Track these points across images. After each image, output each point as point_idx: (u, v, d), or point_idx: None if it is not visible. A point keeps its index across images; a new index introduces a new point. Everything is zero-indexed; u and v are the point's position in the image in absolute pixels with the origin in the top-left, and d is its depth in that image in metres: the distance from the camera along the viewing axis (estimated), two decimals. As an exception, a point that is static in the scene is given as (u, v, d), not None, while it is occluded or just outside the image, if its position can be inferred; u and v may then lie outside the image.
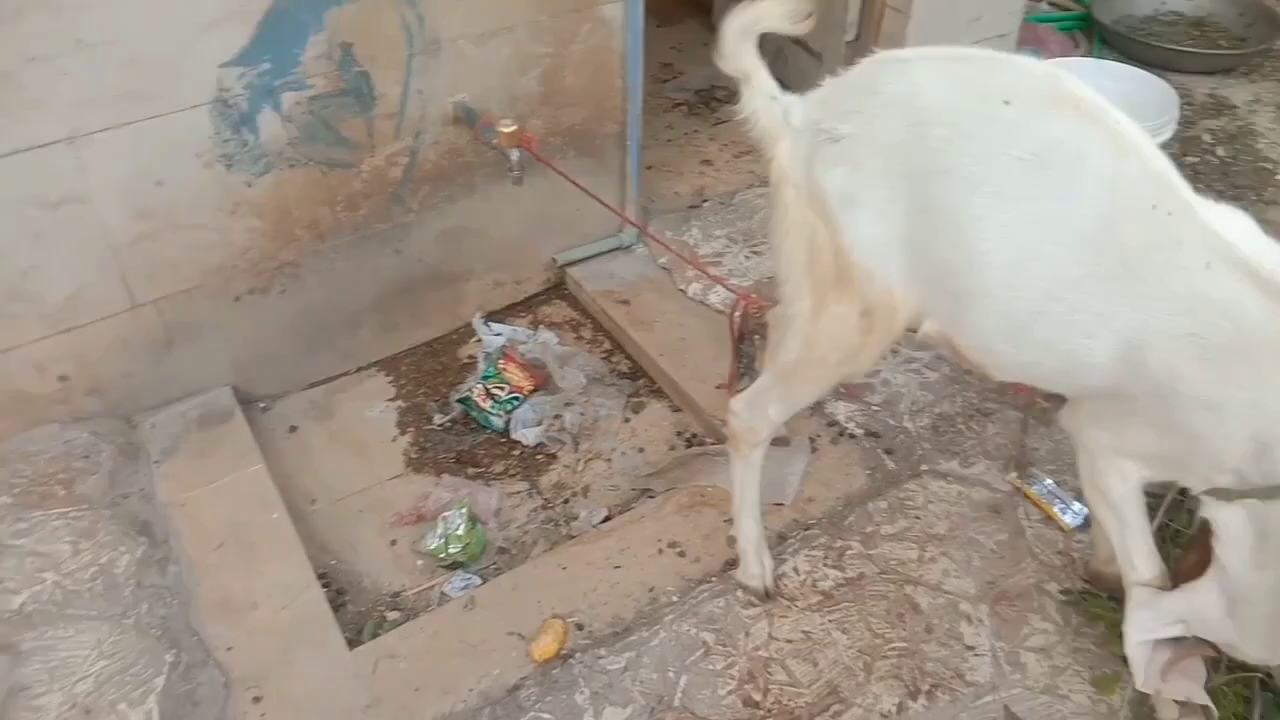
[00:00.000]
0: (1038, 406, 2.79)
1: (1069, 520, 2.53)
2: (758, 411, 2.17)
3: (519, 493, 2.76)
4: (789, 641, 2.30)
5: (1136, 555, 2.00)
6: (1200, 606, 1.88)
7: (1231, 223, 1.68)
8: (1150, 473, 1.93)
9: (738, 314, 2.64)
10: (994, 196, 1.68)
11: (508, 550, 2.61)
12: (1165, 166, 1.69)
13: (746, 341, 2.70)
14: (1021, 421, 2.77)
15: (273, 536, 2.40)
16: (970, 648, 2.28)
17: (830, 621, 2.34)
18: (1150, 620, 1.94)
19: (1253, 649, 1.86)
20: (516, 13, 2.77)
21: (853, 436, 2.81)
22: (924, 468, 2.71)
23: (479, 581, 2.48)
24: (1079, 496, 2.55)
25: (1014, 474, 2.65)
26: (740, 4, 1.79)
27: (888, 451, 2.77)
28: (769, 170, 1.92)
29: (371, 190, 2.80)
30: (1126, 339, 1.69)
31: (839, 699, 2.18)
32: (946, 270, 1.77)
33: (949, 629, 2.32)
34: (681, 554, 2.46)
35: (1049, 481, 2.62)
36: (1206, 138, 3.94)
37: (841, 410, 2.87)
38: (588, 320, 3.29)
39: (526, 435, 2.87)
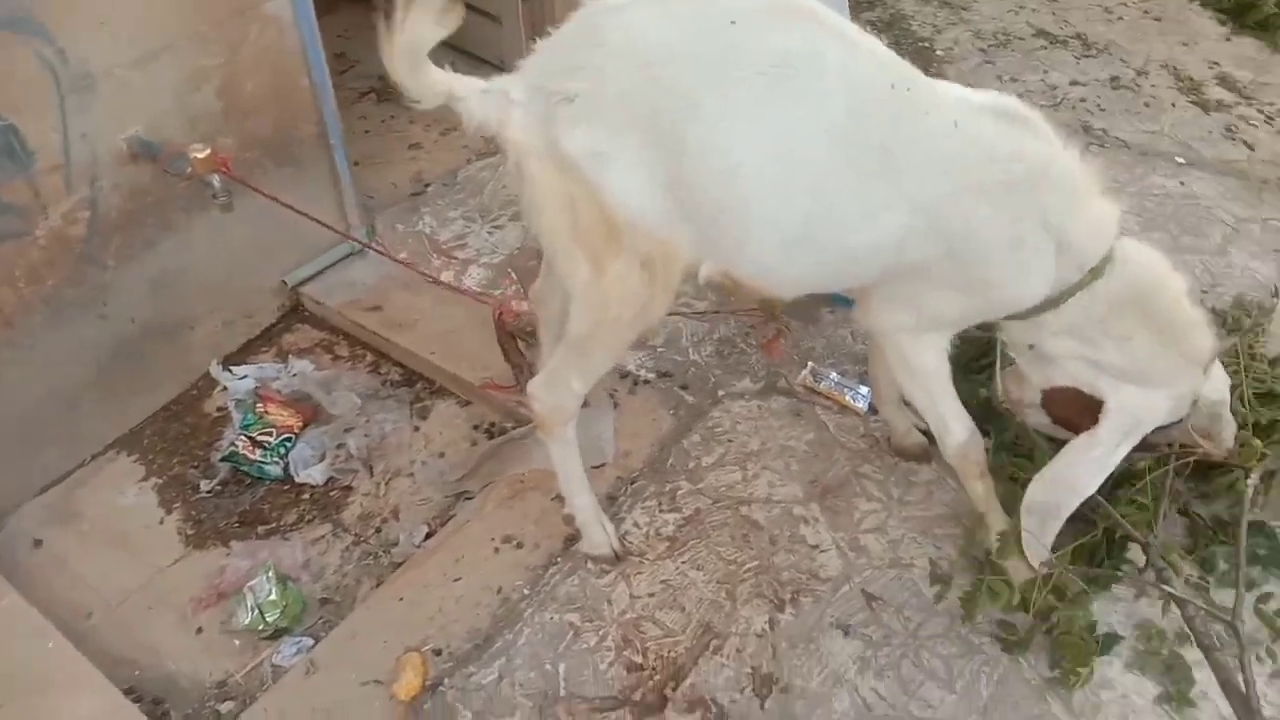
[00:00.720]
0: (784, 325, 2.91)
1: (860, 405, 2.68)
2: (560, 390, 2.09)
3: (323, 537, 2.52)
4: (651, 595, 2.27)
5: (951, 420, 2.12)
6: (1127, 402, 1.97)
7: (950, 85, 1.85)
8: (953, 331, 2.06)
9: (497, 320, 2.58)
10: (741, 119, 1.69)
11: (331, 600, 2.38)
12: (886, 50, 1.78)
13: (512, 340, 2.62)
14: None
15: (57, 668, 2.04)
16: (815, 546, 2.36)
17: (684, 563, 2.33)
18: (1103, 451, 2.00)
19: (1183, 389, 1.99)
20: (171, 27, 2.45)
21: (647, 382, 2.81)
22: (721, 393, 2.76)
23: (311, 642, 2.24)
24: (863, 380, 2.71)
25: (804, 375, 2.75)
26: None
27: (684, 387, 2.79)
28: (505, 151, 1.82)
29: (54, 256, 2.41)
30: (908, 215, 1.77)
31: (714, 633, 2.18)
32: (713, 203, 1.76)
33: (791, 535, 2.38)
34: (519, 546, 2.36)
35: (834, 375, 2.74)
36: (869, 29, 4.26)
37: (631, 359, 2.86)
38: (340, 337, 3.04)
39: (312, 474, 2.63)
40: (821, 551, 2.35)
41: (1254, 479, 2.11)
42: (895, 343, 2.08)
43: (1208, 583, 2.17)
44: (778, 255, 1.85)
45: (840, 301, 2.91)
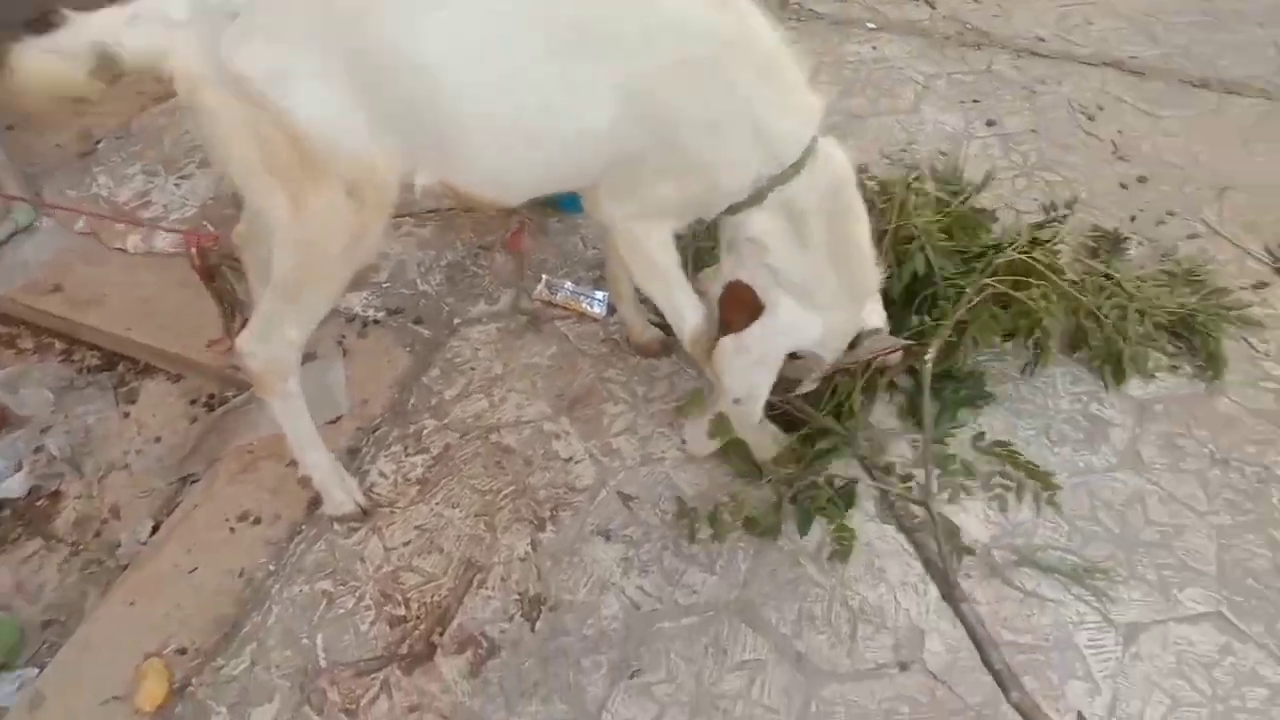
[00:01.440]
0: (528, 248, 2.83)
1: (598, 310, 2.65)
2: (275, 341, 1.92)
3: (34, 554, 2.26)
4: (407, 544, 2.18)
5: (684, 308, 2.09)
6: (783, 319, 1.98)
7: None
8: (679, 222, 2.02)
9: (195, 253, 2.31)
10: (428, 13, 1.57)
11: (55, 620, 2.15)
12: None
13: (220, 279, 2.37)
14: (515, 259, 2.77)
15: None
16: (569, 459, 2.34)
17: (438, 504, 2.26)
18: (755, 356, 2.03)
19: (839, 319, 2.03)
20: None
21: (377, 322, 2.67)
22: (457, 321, 2.66)
23: (36, 672, 2.02)
24: (598, 286, 2.68)
25: (539, 289, 2.69)
26: None
27: (417, 322, 2.67)
28: (175, 86, 1.61)
29: None
30: (613, 98, 1.69)
31: (478, 568, 2.14)
32: (415, 108, 1.64)
33: (545, 452, 2.35)
34: (256, 521, 2.20)
35: (568, 284, 2.70)
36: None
37: (355, 300, 2.70)
38: (20, 328, 2.70)
39: (10, 487, 2.34)
40: (576, 463, 2.33)
41: (930, 355, 2.23)
42: (624, 233, 2.02)
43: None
44: (494, 156, 1.75)
45: (569, 206, 2.85)
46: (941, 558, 2.03)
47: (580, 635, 2.04)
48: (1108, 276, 2.53)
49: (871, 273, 2.02)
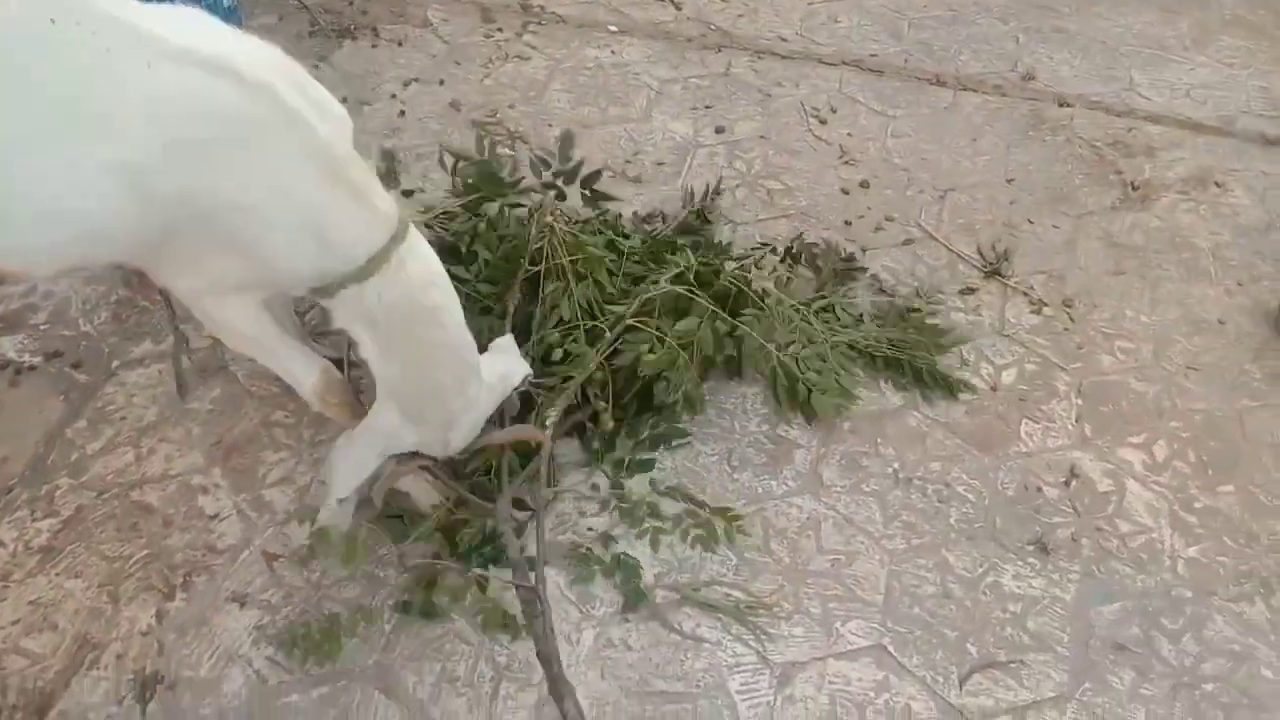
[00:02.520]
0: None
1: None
2: None
3: None
4: (16, 622, 1.96)
5: (295, 368, 1.92)
6: (381, 425, 1.87)
7: (176, 17, 1.50)
8: (258, 294, 1.83)
9: None
10: None
11: None
12: None
13: None
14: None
15: None
16: (214, 516, 2.14)
17: (59, 574, 2.03)
18: (356, 457, 1.91)
19: (430, 435, 1.91)
20: None
21: (33, 368, 2.42)
22: (116, 364, 2.43)
23: None
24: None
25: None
26: None
27: (76, 365, 2.43)
28: None
29: None
30: (123, 179, 1.46)
31: (92, 645, 1.93)
32: None
33: (188, 510, 2.15)
34: None
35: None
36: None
37: (8, 344, 2.45)
38: None
39: None
40: (220, 520, 2.14)
41: (550, 423, 2.10)
42: (197, 308, 1.83)
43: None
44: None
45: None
46: (549, 652, 1.86)
47: (197, 716, 1.85)
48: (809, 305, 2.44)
49: (452, 405, 1.89)
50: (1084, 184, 3.01)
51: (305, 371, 1.93)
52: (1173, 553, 2.14)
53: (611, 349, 2.19)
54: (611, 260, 2.30)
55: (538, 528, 2.04)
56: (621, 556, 2.06)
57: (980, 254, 2.77)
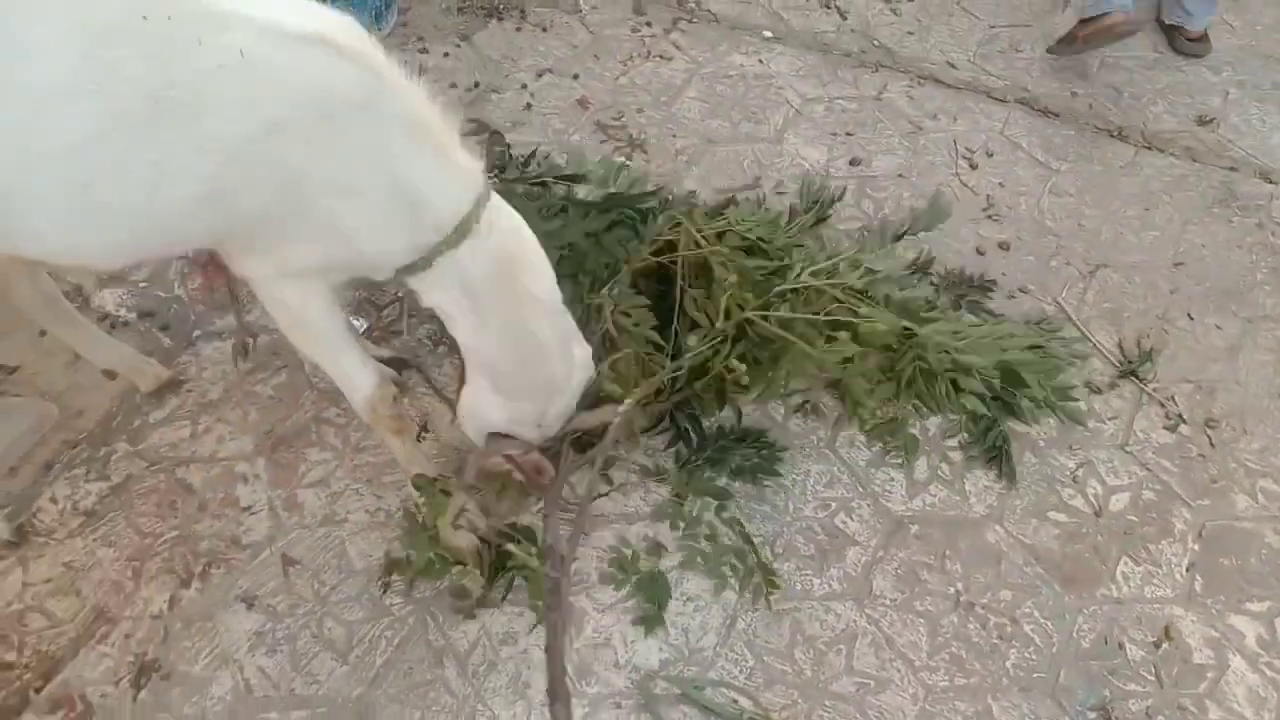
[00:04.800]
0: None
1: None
2: None
3: None
4: (48, 581, 2.03)
5: (353, 373, 1.89)
6: (475, 403, 1.83)
7: (255, 6, 1.46)
8: (331, 281, 1.80)
9: None
10: None
11: None
12: None
13: None
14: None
15: None
16: (247, 508, 2.15)
17: (95, 540, 2.09)
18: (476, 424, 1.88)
19: (525, 410, 1.84)
20: None
21: (126, 324, 2.50)
22: (197, 333, 2.47)
23: None
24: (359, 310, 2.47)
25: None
26: None
27: (164, 328, 2.49)
28: None
29: None
30: (207, 164, 1.47)
31: (107, 619, 1.97)
32: None
33: (224, 497, 2.16)
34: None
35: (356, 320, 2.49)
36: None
37: (109, 298, 2.54)
38: None
39: None
40: (252, 514, 2.14)
41: (620, 413, 1.97)
42: (268, 294, 1.81)
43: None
44: (64, 230, 1.52)
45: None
46: (558, 648, 1.77)
47: (180, 714, 1.86)
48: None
49: (554, 368, 1.80)
50: (1267, 279, 2.58)
51: (364, 377, 1.89)
52: (1269, 757, 1.81)
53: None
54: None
55: (578, 519, 1.95)
56: (656, 573, 1.98)
57: (1120, 348, 2.42)
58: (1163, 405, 2.31)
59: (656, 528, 2.08)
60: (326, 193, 1.57)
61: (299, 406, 2.33)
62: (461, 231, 1.64)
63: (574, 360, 1.84)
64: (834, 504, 2.13)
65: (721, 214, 2.34)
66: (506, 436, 1.86)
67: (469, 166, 1.65)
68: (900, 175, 2.83)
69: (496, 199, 1.70)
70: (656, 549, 2.05)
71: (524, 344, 1.75)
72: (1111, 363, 2.39)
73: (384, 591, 1.99)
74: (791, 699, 1.87)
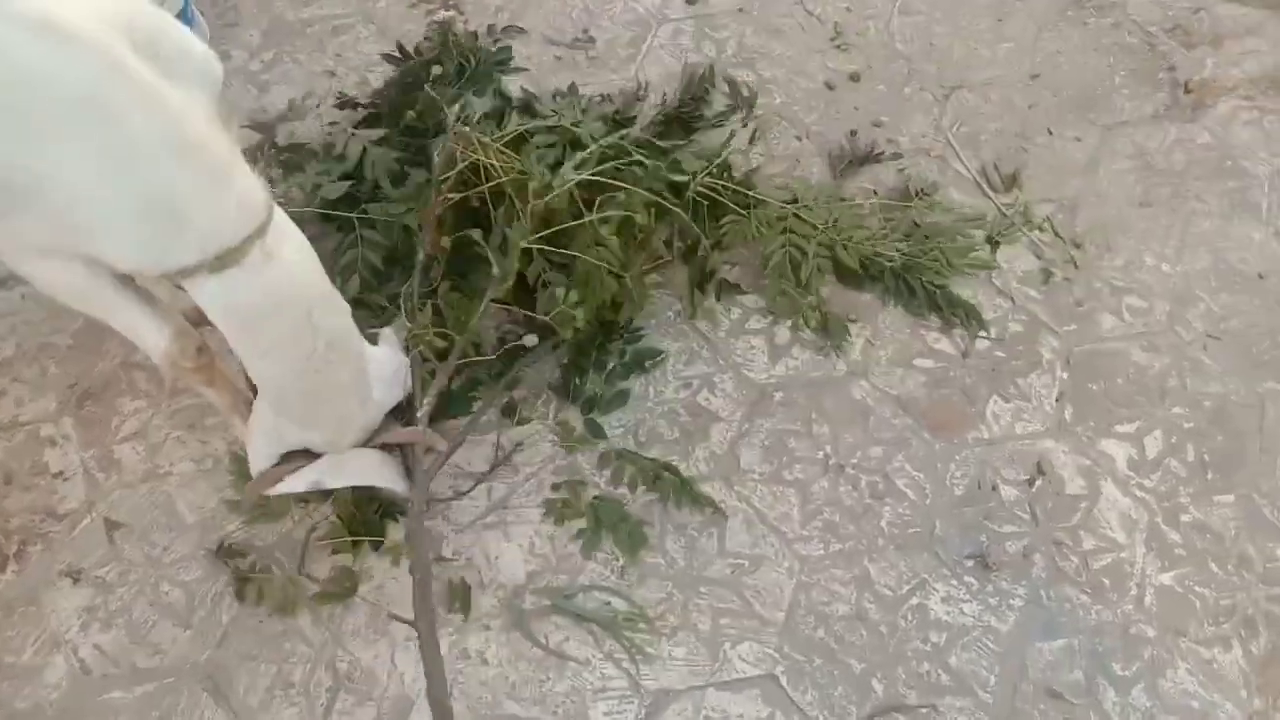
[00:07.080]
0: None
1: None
2: None
3: None
4: None
5: (141, 330, 1.66)
6: (261, 425, 1.66)
7: None
8: (86, 255, 1.55)
9: None
10: None
11: None
12: None
13: None
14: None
15: None
16: (59, 474, 1.94)
17: (-108, 536, 1.88)
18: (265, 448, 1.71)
19: (317, 436, 1.68)
20: None
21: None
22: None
23: None
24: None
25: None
26: None
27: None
28: None
29: None
30: None
31: (-83, 623, 1.79)
32: None
33: (32, 466, 1.95)
34: None
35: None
36: None
37: None
38: None
39: None
40: (65, 480, 1.94)
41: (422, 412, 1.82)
42: (23, 272, 1.58)
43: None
44: None
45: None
46: (428, 625, 1.65)
47: (12, 709, 1.71)
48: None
49: (349, 405, 1.65)
50: (1125, 83, 2.47)
51: (154, 334, 1.66)
52: (1142, 579, 1.81)
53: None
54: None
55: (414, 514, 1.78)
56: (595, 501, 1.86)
57: (984, 174, 2.30)
58: (1031, 231, 2.21)
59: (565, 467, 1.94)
60: (37, 185, 1.30)
61: (103, 354, 2.09)
62: (225, 261, 1.39)
63: (372, 396, 1.68)
64: (696, 381, 2.01)
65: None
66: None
67: (248, 194, 1.39)
68: (740, 9, 2.60)
69: (281, 225, 1.46)
70: (577, 487, 1.90)
71: (310, 378, 1.55)
72: (981, 190, 2.28)
73: (218, 551, 1.83)
74: (666, 592, 1.79)
